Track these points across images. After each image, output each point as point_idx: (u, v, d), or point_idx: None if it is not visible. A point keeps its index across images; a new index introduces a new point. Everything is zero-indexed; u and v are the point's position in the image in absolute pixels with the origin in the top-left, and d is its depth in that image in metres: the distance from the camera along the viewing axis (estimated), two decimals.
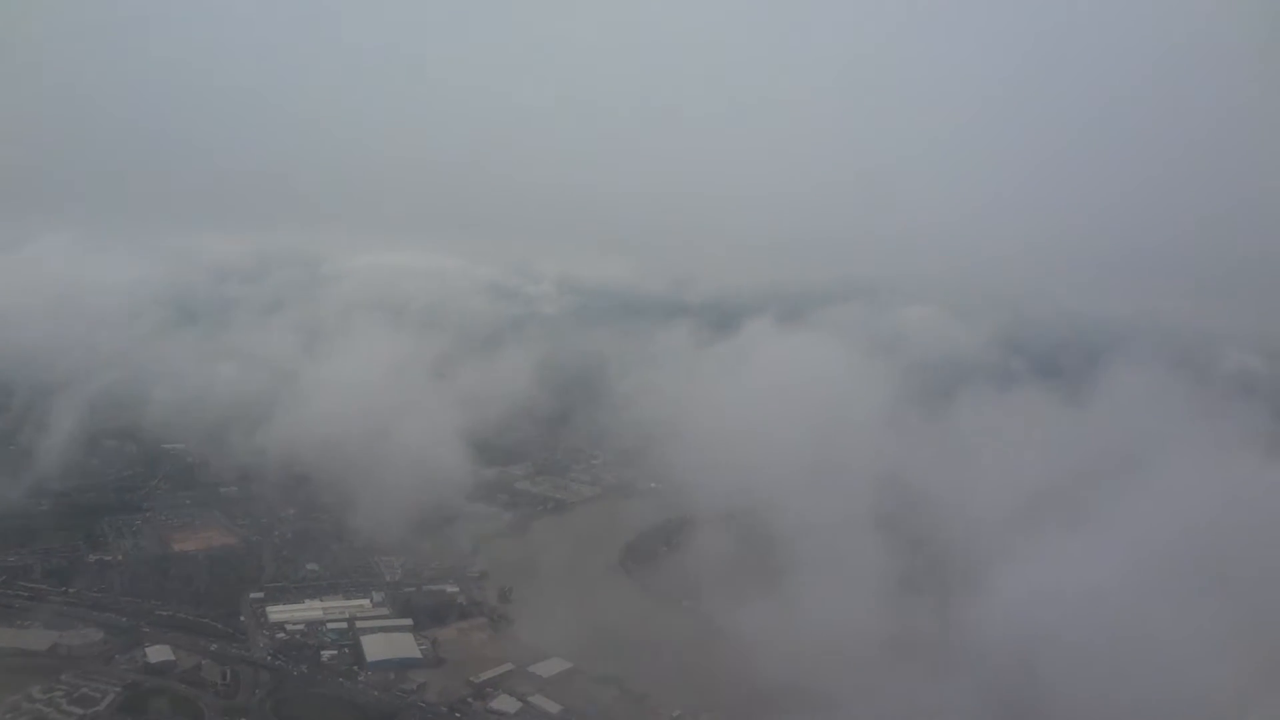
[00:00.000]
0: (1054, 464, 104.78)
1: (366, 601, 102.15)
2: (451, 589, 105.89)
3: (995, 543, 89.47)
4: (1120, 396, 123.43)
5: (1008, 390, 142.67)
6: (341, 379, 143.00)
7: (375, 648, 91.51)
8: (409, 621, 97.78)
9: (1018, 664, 72.90)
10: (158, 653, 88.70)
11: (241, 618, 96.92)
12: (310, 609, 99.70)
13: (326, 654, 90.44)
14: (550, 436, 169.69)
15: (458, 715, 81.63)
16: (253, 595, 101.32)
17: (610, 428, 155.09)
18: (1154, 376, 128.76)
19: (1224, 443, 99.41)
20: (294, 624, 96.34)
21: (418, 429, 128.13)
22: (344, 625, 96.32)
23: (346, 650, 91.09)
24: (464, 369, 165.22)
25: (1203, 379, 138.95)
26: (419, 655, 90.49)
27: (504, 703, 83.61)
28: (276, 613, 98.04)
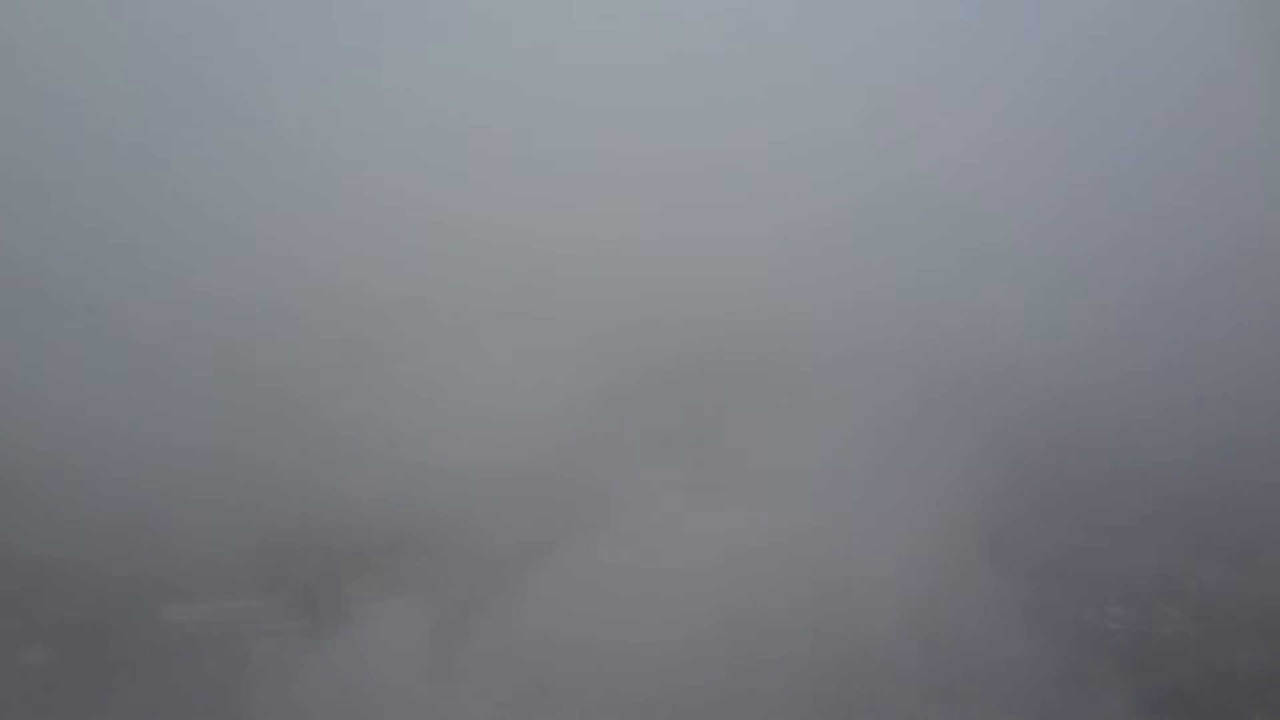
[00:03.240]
0: None
1: (269, 602, 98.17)
2: (361, 589, 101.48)
3: None
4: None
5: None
6: None
7: (263, 653, 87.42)
8: (308, 624, 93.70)
9: None
10: (35, 654, 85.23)
11: (134, 616, 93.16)
12: (210, 609, 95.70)
13: (213, 658, 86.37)
14: None
15: None
16: (152, 593, 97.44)
17: None
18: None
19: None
20: (189, 625, 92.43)
21: None
22: (239, 628, 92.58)
23: (233, 655, 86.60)
24: None
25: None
26: (309, 663, 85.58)
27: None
28: (173, 612, 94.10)
